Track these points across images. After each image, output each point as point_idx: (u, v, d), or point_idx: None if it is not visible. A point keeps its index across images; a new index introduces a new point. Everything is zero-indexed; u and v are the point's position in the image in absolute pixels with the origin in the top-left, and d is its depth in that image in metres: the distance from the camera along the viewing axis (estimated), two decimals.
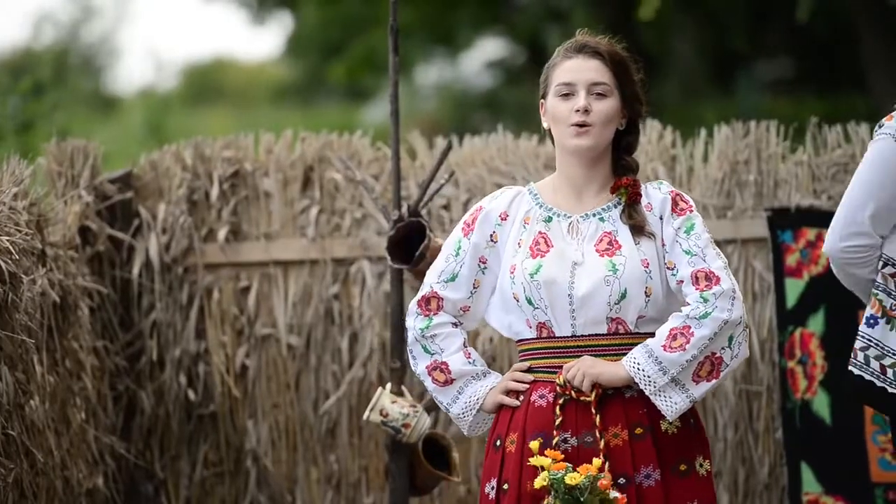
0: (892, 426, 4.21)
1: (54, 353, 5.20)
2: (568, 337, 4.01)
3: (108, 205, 5.91)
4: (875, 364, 4.12)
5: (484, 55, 17.77)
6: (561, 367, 3.98)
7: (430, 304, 4.15)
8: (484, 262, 4.12)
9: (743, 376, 5.68)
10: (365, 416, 4.96)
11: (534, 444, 3.90)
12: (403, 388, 5.02)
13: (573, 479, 3.81)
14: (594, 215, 4.06)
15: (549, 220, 4.07)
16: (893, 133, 4.13)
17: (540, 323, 4.02)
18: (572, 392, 3.97)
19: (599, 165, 4.08)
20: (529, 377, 4.04)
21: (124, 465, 5.81)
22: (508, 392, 4.07)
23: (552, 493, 3.84)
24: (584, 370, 3.95)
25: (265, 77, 22.50)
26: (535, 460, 3.87)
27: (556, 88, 4.06)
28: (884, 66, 11.78)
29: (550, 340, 4.03)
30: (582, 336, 4.00)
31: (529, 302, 4.00)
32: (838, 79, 14.06)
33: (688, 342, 3.90)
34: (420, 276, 4.45)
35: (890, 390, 4.10)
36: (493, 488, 4.03)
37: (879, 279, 4.15)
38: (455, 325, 4.15)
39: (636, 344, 3.97)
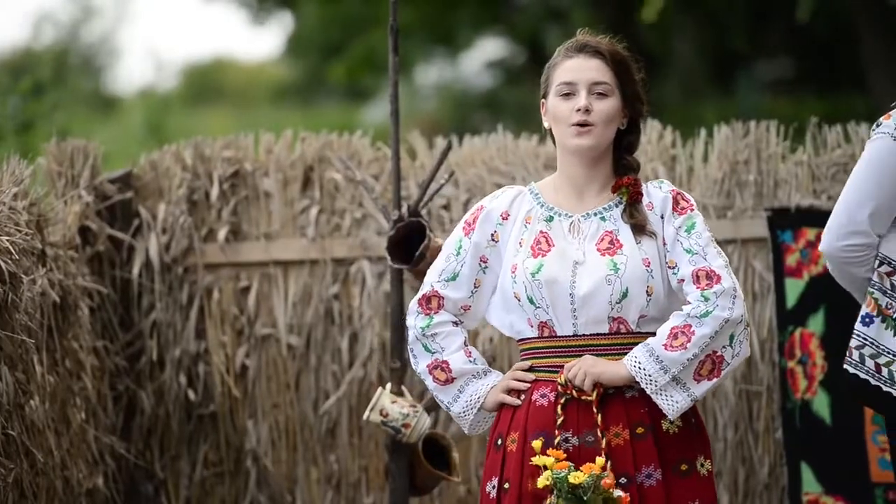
0: (888, 425, 4.21)
1: (54, 353, 5.20)
2: (569, 336, 4.01)
3: (108, 205, 5.91)
4: (870, 362, 4.12)
5: (484, 55, 17.79)
6: (562, 367, 3.98)
7: (431, 302, 4.15)
8: (485, 262, 4.12)
9: (743, 376, 5.68)
10: (365, 416, 4.96)
11: (536, 444, 3.90)
12: (403, 388, 5.01)
13: (577, 478, 3.80)
14: (595, 215, 4.06)
15: (551, 219, 4.07)
16: (892, 132, 4.13)
17: (541, 322, 4.02)
18: (574, 391, 3.97)
19: (600, 165, 4.08)
20: (531, 376, 4.04)
21: (124, 465, 5.81)
22: (510, 391, 4.07)
23: (555, 492, 3.83)
24: (585, 369, 3.95)
25: (265, 77, 22.51)
26: (538, 460, 3.86)
27: (557, 88, 4.06)
28: (884, 66, 11.78)
29: (552, 339, 4.03)
30: (583, 335, 4.00)
31: (531, 301, 4.00)
32: (838, 79, 14.06)
33: (689, 341, 3.90)
34: (420, 276, 4.45)
35: (885, 389, 4.10)
36: (494, 487, 4.03)
37: (875, 278, 4.15)
38: (455, 323, 4.15)
39: (638, 343, 3.97)
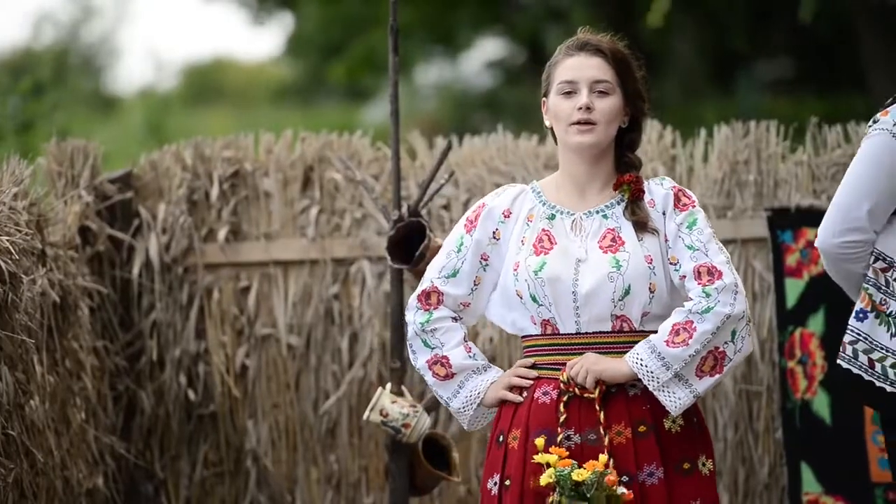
0: (882, 422, 4.21)
1: (54, 353, 5.20)
2: (572, 334, 4.01)
3: (108, 205, 5.91)
4: (863, 358, 4.13)
5: (484, 55, 17.78)
6: (565, 365, 3.99)
7: (431, 298, 4.15)
8: (486, 259, 4.12)
9: (743, 376, 5.68)
10: (365, 416, 4.96)
11: (539, 442, 3.90)
12: (403, 388, 5.01)
13: (580, 475, 3.81)
14: (597, 212, 4.06)
15: (553, 217, 4.07)
16: (890, 128, 4.12)
17: (544, 320, 4.03)
18: (576, 389, 3.97)
19: (602, 163, 4.09)
20: (534, 373, 4.05)
21: (124, 465, 5.81)
22: (512, 388, 4.07)
23: (558, 489, 3.83)
24: (587, 367, 3.95)
25: (265, 77, 22.50)
26: (540, 457, 3.87)
27: (559, 86, 4.06)
28: (884, 66, 11.79)
29: (555, 337, 4.03)
30: (586, 333, 4.00)
31: (534, 299, 4.01)
32: (838, 79, 14.06)
33: (690, 337, 3.90)
34: (420, 276, 4.45)
35: (878, 384, 4.10)
36: (495, 484, 4.03)
37: (870, 274, 4.15)
38: (455, 319, 4.15)
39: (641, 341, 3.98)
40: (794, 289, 5.52)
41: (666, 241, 4.03)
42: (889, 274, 4.12)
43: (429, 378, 4.16)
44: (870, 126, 4.19)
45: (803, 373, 5.50)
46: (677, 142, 5.81)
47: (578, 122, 4.02)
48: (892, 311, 4.10)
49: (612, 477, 3.84)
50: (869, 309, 4.14)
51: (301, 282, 5.96)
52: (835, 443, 5.43)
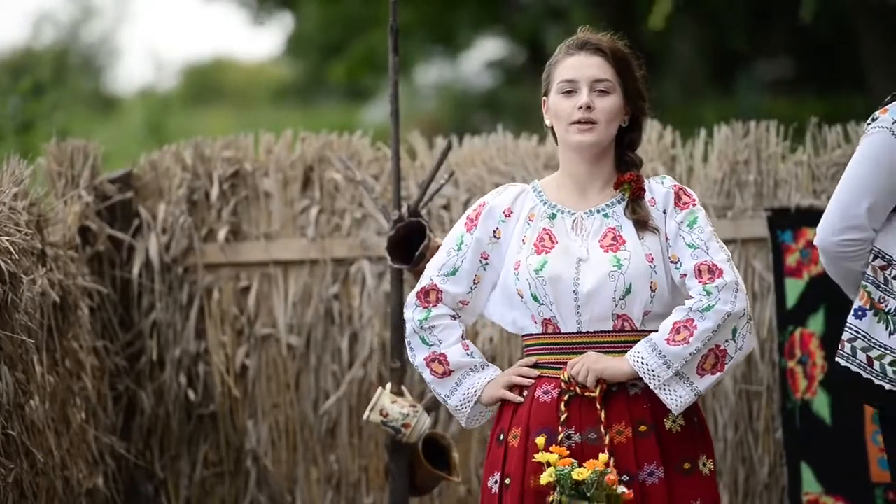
0: (881, 419, 4.21)
1: (54, 353, 5.20)
2: (573, 333, 4.01)
3: (108, 205, 5.91)
4: (862, 356, 4.13)
5: (484, 55, 17.77)
6: (566, 364, 3.99)
7: (430, 296, 4.15)
8: (486, 258, 4.12)
9: (743, 376, 5.68)
10: (365, 416, 4.96)
11: (539, 440, 3.90)
12: (403, 388, 5.01)
13: (580, 474, 3.81)
14: (598, 211, 4.06)
15: (554, 216, 4.07)
16: (889, 126, 4.12)
17: (545, 319, 4.03)
18: (577, 388, 3.97)
19: (603, 162, 4.09)
20: (535, 373, 4.05)
21: (124, 465, 5.81)
22: (512, 387, 4.07)
23: (558, 488, 3.83)
24: (588, 366, 3.95)
25: (265, 77, 22.49)
26: (541, 456, 3.87)
27: (559, 85, 4.06)
28: (884, 66, 11.78)
29: (556, 336, 4.03)
30: (587, 332, 4.00)
31: (535, 298, 4.01)
32: (838, 79, 14.05)
33: (691, 335, 3.90)
34: (420, 276, 4.45)
35: (876, 382, 4.10)
36: (495, 483, 4.04)
37: (869, 272, 4.15)
38: (453, 317, 4.16)
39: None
40: (794, 289, 5.52)
41: (667, 239, 4.03)
42: (888, 272, 4.12)
43: (427, 375, 4.16)
44: (868, 124, 4.19)
45: (803, 373, 5.50)
46: (677, 142, 5.81)
47: (579, 122, 4.02)
48: (890, 309, 4.10)
49: (612, 476, 3.84)
50: (868, 307, 4.14)
51: (301, 282, 5.96)
52: (835, 443, 5.43)
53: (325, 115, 17.63)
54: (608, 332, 4.01)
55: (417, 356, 4.16)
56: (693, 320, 3.91)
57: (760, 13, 13.73)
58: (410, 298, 4.18)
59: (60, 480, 5.07)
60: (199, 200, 6.02)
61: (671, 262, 4.02)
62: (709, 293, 3.93)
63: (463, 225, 4.16)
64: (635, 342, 3.97)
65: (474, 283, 4.14)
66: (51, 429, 5.00)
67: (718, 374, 3.95)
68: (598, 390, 3.96)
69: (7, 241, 4.71)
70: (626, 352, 3.97)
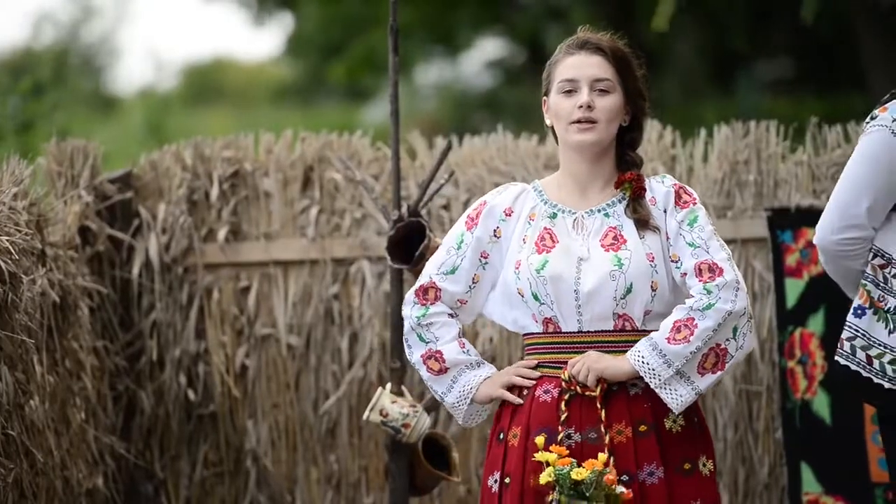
0: (880, 418, 4.21)
1: (54, 353, 5.20)
2: (574, 332, 4.01)
3: (108, 205, 5.91)
4: (861, 354, 4.13)
5: (484, 55, 17.77)
6: (566, 363, 3.99)
7: (428, 294, 4.16)
8: (485, 258, 4.12)
9: (743, 376, 5.68)
10: (365, 416, 4.96)
11: (539, 440, 3.90)
12: (403, 388, 5.01)
13: (579, 474, 3.81)
14: (599, 211, 4.06)
15: (554, 216, 4.07)
16: (888, 125, 4.11)
17: (546, 318, 4.03)
18: (577, 387, 3.97)
19: (603, 161, 4.09)
20: (536, 374, 4.04)
21: (124, 465, 5.81)
22: (512, 388, 4.07)
23: (557, 488, 3.83)
24: (588, 365, 3.95)
25: (265, 77, 22.49)
26: (540, 456, 3.87)
27: (559, 85, 4.06)
28: (884, 66, 11.78)
29: (556, 335, 4.03)
30: (588, 332, 4.01)
31: (536, 297, 4.01)
32: (838, 79, 14.05)
33: (692, 334, 3.90)
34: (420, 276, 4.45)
35: (876, 380, 4.10)
36: (495, 482, 4.04)
37: (869, 270, 4.15)
38: (451, 315, 4.16)
39: None
40: (794, 289, 5.52)
41: (667, 238, 4.03)
42: (887, 270, 4.12)
43: (423, 373, 4.16)
44: (867, 123, 4.18)
45: (803, 373, 5.50)
46: (677, 142, 5.82)
47: (579, 121, 4.02)
48: (890, 308, 4.10)
49: (610, 476, 3.84)
50: (867, 305, 4.14)
51: (301, 282, 5.96)
52: (835, 443, 5.43)
53: (325, 115, 17.63)
54: (609, 331, 4.01)
55: (414, 353, 4.17)
56: (693, 319, 3.92)
57: (760, 13, 13.73)
58: (409, 296, 4.19)
59: (60, 480, 5.07)
60: (199, 200, 6.02)
61: (672, 261, 4.02)
62: (709, 292, 3.93)
63: (463, 224, 4.16)
64: (636, 341, 3.97)
65: (473, 283, 4.14)
66: (51, 429, 5.00)
67: (719, 372, 3.95)
68: (598, 390, 3.96)
69: (7, 241, 4.71)
70: (626, 351, 3.97)
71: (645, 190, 4.07)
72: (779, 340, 5.54)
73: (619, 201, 4.07)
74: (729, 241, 5.60)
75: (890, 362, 4.08)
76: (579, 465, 3.84)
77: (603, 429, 3.95)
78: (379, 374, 5.86)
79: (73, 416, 5.29)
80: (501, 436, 4.06)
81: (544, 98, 4.13)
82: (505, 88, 17.04)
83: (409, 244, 4.85)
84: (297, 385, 5.96)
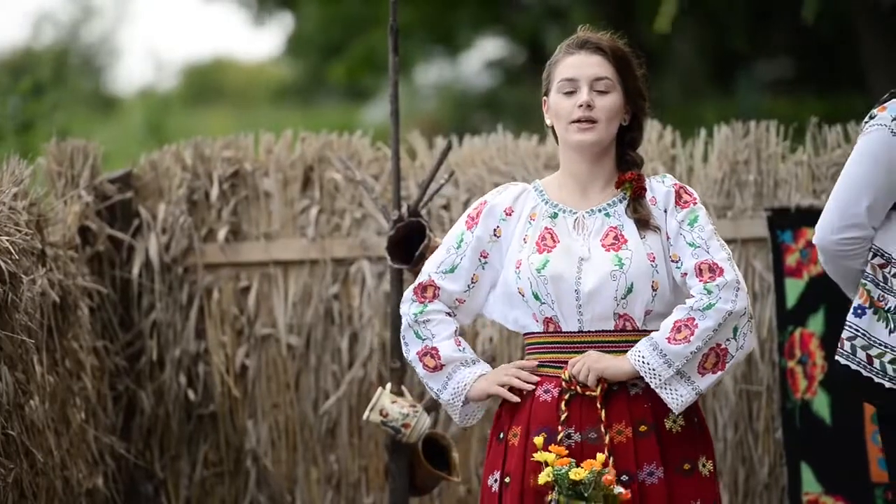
0: (880, 418, 4.21)
1: (54, 353, 5.20)
2: (574, 332, 4.01)
3: (108, 205, 5.91)
4: (861, 354, 4.13)
5: (484, 55, 17.77)
6: (566, 363, 3.98)
7: (427, 291, 4.16)
8: (485, 257, 4.12)
9: (743, 376, 5.68)
10: (365, 416, 4.96)
11: (538, 440, 3.90)
12: (403, 388, 5.01)
13: (577, 474, 3.81)
14: (600, 211, 4.06)
15: (555, 216, 4.07)
16: (888, 124, 4.11)
17: (547, 318, 4.03)
18: (577, 387, 3.97)
19: (604, 161, 4.09)
20: (535, 378, 4.04)
21: (124, 465, 5.81)
22: (511, 389, 4.06)
23: (556, 488, 3.83)
24: (589, 365, 3.95)
25: (265, 77, 22.49)
26: (539, 456, 3.87)
27: (559, 85, 4.06)
28: (884, 66, 11.78)
29: (557, 335, 4.03)
30: (589, 332, 4.00)
31: (536, 297, 4.01)
32: (838, 79, 14.05)
33: (692, 334, 3.90)
34: None
35: (876, 380, 4.10)
36: (496, 481, 4.04)
37: (868, 270, 4.15)
38: (449, 314, 4.15)
39: None
40: (794, 289, 5.52)
41: (668, 238, 4.03)
42: (887, 270, 4.12)
43: (419, 370, 4.16)
44: (866, 122, 4.18)
45: (803, 373, 5.50)
46: (677, 142, 5.82)
47: (579, 120, 4.02)
48: (890, 307, 4.10)
49: (609, 476, 3.84)
50: (867, 305, 4.14)
51: (301, 282, 5.96)
52: (835, 443, 5.43)
53: (325, 115, 17.63)
54: (609, 331, 4.01)
55: (411, 350, 4.16)
56: (694, 319, 3.92)
57: (760, 13, 13.73)
58: (407, 294, 4.18)
59: (60, 480, 5.07)
60: (199, 200, 6.02)
61: (672, 260, 4.02)
62: (709, 292, 3.93)
63: (463, 223, 4.16)
64: (636, 341, 3.97)
65: (472, 282, 4.14)
66: (51, 429, 5.00)
67: (719, 373, 3.95)
68: (598, 389, 3.96)
69: (7, 241, 4.71)
70: (627, 351, 3.97)
71: (645, 190, 4.07)
72: (779, 340, 5.54)
73: (620, 201, 4.07)
74: (729, 241, 5.60)
75: (890, 362, 4.08)
76: (578, 465, 3.84)
77: (603, 429, 3.94)
78: (379, 374, 5.86)
79: (73, 416, 5.29)
80: (501, 435, 4.06)
81: (544, 98, 4.13)
82: (505, 88, 17.04)
83: (409, 244, 4.85)
84: (297, 385, 5.96)
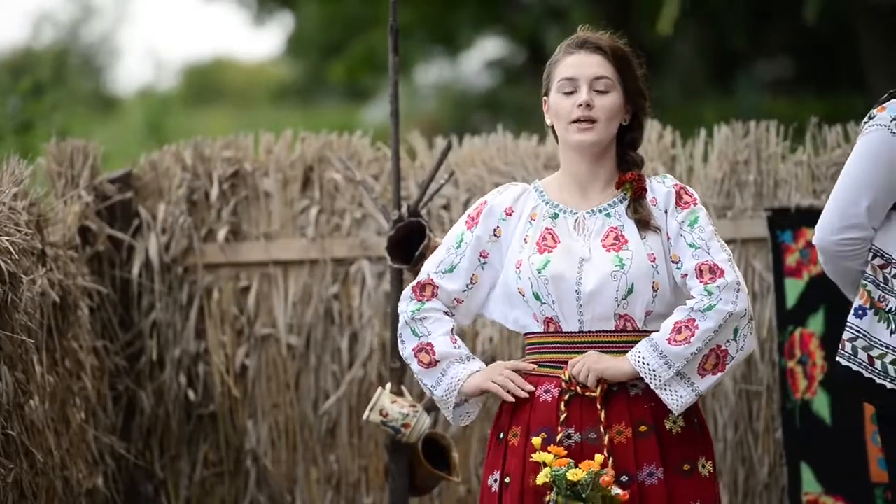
0: (880, 418, 4.21)
1: (54, 353, 5.20)
2: (575, 332, 4.01)
3: (108, 205, 5.91)
4: (863, 355, 4.12)
5: (484, 55, 17.78)
6: (567, 363, 3.98)
7: (425, 290, 4.15)
8: (485, 257, 4.12)
9: (743, 376, 5.68)
10: (365, 416, 4.96)
11: (536, 440, 3.90)
12: (403, 388, 5.01)
13: (575, 475, 3.81)
14: (600, 211, 4.06)
15: (556, 216, 4.07)
16: (887, 124, 4.11)
17: (547, 318, 4.02)
18: (577, 387, 3.97)
19: (604, 161, 4.09)
20: (529, 387, 4.03)
21: (124, 465, 5.81)
22: (508, 390, 4.06)
23: (554, 489, 3.83)
24: (589, 365, 3.95)
25: (265, 77, 22.49)
26: (538, 456, 3.87)
27: (559, 84, 4.06)
28: (884, 66, 11.79)
29: (557, 335, 4.03)
30: (589, 332, 4.00)
31: (537, 297, 4.01)
32: (838, 79, 14.06)
33: (692, 335, 3.90)
34: None
35: (878, 381, 4.10)
36: (495, 481, 4.03)
37: (868, 270, 4.14)
38: (446, 313, 4.15)
39: None
40: (793, 289, 5.52)
41: (668, 239, 4.03)
42: (887, 270, 4.12)
43: (414, 366, 4.14)
44: (865, 122, 4.18)
45: (803, 373, 5.50)
46: (677, 142, 5.81)
47: (579, 120, 4.02)
48: (891, 308, 4.10)
49: (607, 477, 3.84)
50: (868, 306, 4.14)
51: (301, 282, 5.96)
52: (835, 443, 5.43)
53: (325, 115, 17.63)
54: (610, 331, 4.00)
55: (407, 347, 4.15)
56: (694, 320, 3.91)
57: (760, 13, 13.74)
58: (406, 292, 4.18)
59: (60, 480, 5.07)
60: (199, 200, 6.02)
61: (672, 261, 4.02)
62: (710, 293, 3.93)
63: (464, 223, 4.16)
64: (637, 342, 3.97)
65: (471, 282, 4.13)
66: (50, 429, 5.00)
67: (719, 374, 3.95)
68: (598, 390, 3.96)
69: (7, 241, 4.71)
70: (627, 352, 3.96)
71: (646, 190, 4.07)
72: (779, 340, 5.54)
73: (621, 201, 4.07)
74: (729, 242, 5.60)
75: (892, 363, 4.08)
76: (577, 466, 3.84)
77: (602, 429, 3.94)
78: (379, 374, 5.86)
79: (73, 416, 5.29)
80: (501, 435, 4.06)
81: (544, 98, 4.13)
82: (505, 88, 17.04)
83: (409, 244, 4.85)
84: (297, 385, 5.96)
